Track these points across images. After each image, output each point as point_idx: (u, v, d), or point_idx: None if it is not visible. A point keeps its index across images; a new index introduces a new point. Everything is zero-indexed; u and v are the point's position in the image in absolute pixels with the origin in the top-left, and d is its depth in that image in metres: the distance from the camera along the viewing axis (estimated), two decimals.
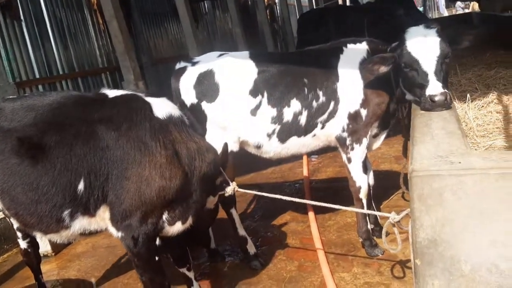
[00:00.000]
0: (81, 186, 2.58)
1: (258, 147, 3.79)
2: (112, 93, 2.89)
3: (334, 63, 3.73)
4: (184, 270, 3.26)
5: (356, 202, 3.83)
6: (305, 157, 6.50)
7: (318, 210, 4.77)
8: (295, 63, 3.87)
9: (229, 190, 3.16)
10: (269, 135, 3.73)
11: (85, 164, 2.57)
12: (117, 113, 2.71)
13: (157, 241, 2.80)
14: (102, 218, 2.71)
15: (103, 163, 2.59)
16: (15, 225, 3.24)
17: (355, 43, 3.81)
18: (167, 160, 2.65)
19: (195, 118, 3.74)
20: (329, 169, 6.25)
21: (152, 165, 2.61)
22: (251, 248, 4.00)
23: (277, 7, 19.14)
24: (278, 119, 3.69)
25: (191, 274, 3.30)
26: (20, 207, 2.66)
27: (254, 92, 3.71)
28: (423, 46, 3.19)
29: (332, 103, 3.70)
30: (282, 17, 18.49)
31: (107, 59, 9.15)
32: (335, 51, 3.80)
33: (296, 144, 3.82)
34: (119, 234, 2.69)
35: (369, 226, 3.94)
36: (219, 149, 3.16)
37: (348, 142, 3.72)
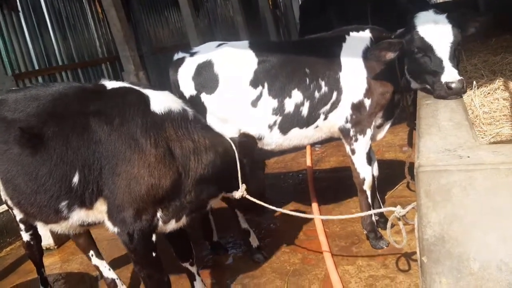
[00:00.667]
0: (75, 179, 2.58)
1: (259, 139, 3.71)
2: (110, 85, 2.83)
3: (337, 52, 3.63)
4: (187, 264, 3.23)
5: (360, 194, 3.77)
6: (308, 147, 6.43)
7: (321, 201, 4.72)
8: (296, 52, 3.77)
9: (236, 195, 2.97)
10: (270, 127, 3.66)
11: (80, 157, 2.57)
12: (111, 106, 2.66)
13: (154, 237, 2.73)
14: (100, 211, 2.69)
15: (96, 157, 2.57)
16: (18, 216, 3.24)
17: (358, 31, 3.70)
18: (157, 159, 2.57)
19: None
20: (332, 159, 6.18)
21: (141, 163, 2.55)
22: (254, 241, 3.96)
23: None
24: (279, 110, 3.60)
25: (194, 269, 3.27)
26: (21, 196, 2.70)
27: (254, 83, 3.62)
28: (437, 32, 3.08)
29: (334, 93, 3.61)
30: (284, 3, 18.26)
31: (107, 49, 9.06)
32: (338, 40, 3.69)
33: (298, 136, 3.74)
34: (115, 229, 2.67)
35: (374, 218, 3.87)
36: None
37: (351, 133, 3.64)
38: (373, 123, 3.67)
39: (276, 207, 3.07)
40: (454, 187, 1.95)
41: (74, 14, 8.38)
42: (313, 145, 6.66)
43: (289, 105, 3.60)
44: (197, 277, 3.28)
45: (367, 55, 3.49)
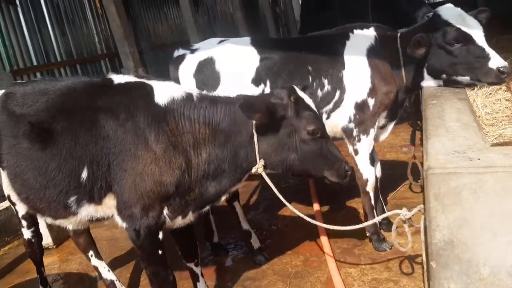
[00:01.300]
0: (84, 174, 2.58)
1: None
2: (118, 79, 2.79)
3: (340, 50, 3.58)
4: (191, 265, 3.19)
5: (363, 195, 3.71)
6: None
7: (324, 202, 4.67)
8: (298, 49, 3.70)
9: (253, 171, 2.71)
10: None
11: (88, 153, 2.57)
12: (117, 102, 2.62)
13: (161, 235, 2.68)
14: (109, 207, 2.68)
15: (104, 153, 2.56)
16: (21, 212, 3.21)
17: (362, 28, 3.64)
18: (158, 155, 2.53)
19: None
20: None
21: (144, 159, 2.52)
22: (255, 242, 3.90)
23: None
24: None
25: (198, 270, 3.22)
26: (30, 191, 2.73)
27: (256, 81, 3.56)
28: (470, 22, 3.11)
29: (337, 92, 3.55)
30: (284, 1, 18.18)
31: (106, 46, 8.98)
32: (341, 37, 3.63)
33: None
34: (124, 224, 2.65)
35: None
36: None
37: (355, 133, 3.59)
38: (377, 123, 3.61)
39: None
40: (464, 190, 1.90)
41: (73, 9, 8.29)
42: None
43: None
44: (200, 278, 3.23)
45: (370, 53, 3.45)
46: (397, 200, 4.42)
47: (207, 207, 2.83)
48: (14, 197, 2.99)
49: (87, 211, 2.72)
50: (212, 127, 2.64)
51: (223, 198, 2.87)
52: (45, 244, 4.71)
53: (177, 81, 3.72)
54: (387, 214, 2.77)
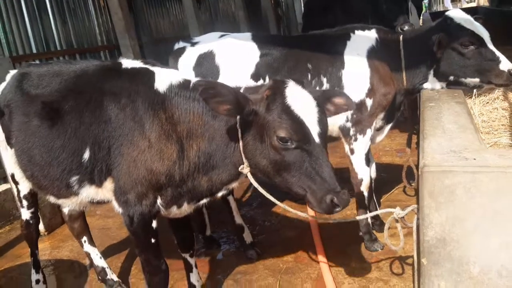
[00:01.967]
0: (86, 155, 2.61)
1: None
2: (126, 63, 2.79)
3: (341, 49, 3.60)
4: (186, 255, 3.20)
5: (357, 195, 3.74)
6: None
7: None
8: (299, 47, 3.73)
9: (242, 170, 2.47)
10: None
11: (91, 134, 2.60)
12: (120, 86, 2.63)
13: (154, 224, 2.67)
14: (108, 190, 2.69)
15: (106, 136, 2.57)
16: (23, 192, 3.25)
17: (363, 29, 3.67)
18: (151, 144, 2.50)
19: None
20: (329, 159, 6.13)
21: (138, 147, 2.51)
22: (248, 237, 3.91)
23: None
24: None
25: (192, 261, 3.23)
26: (35, 168, 2.80)
27: (255, 76, 3.58)
28: (478, 26, 3.21)
29: None
30: (286, 3, 18.22)
31: (106, 37, 8.95)
32: (342, 37, 3.66)
33: None
34: (120, 210, 2.65)
35: (369, 220, 3.85)
36: None
37: (351, 132, 3.61)
38: (374, 124, 3.64)
39: (271, 204, 2.99)
40: (458, 188, 1.92)
41: None
42: None
43: None
44: (194, 269, 3.24)
45: (370, 54, 3.49)
46: (391, 202, 4.45)
47: (204, 200, 2.76)
48: (19, 175, 3.07)
49: (88, 192, 2.74)
50: (205, 119, 2.50)
51: (220, 194, 2.75)
52: None
53: None
54: (380, 211, 2.79)
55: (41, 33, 7.33)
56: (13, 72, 3.13)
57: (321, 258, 3.55)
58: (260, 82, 3.58)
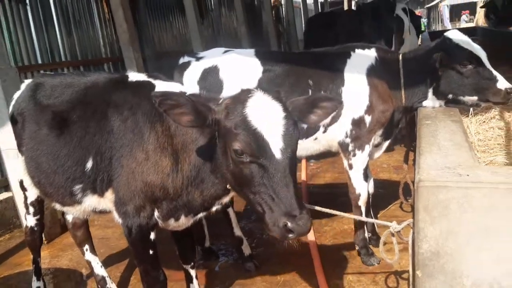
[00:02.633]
0: (89, 164, 2.68)
1: None
2: (132, 76, 2.87)
3: (341, 67, 3.70)
4: (188, 267, 3.23)
5: (355, 210, 3.80)
6: (303, 161, 6.46)
7: (314, 215, 4.64)
8: (301, 63, 3.83)
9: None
10: None
11: (94, 144, 2.67)
12: (124, 99, 2.70)
13: (152, 236, 2.71)
14: (109, 200, 2.73)
15: (108, 147, 2.63)
16: (31, 198, 3.36)
17: (363, 48, 3.77)
18: (148, 156, 2.53)
19: None
20: (327, 175, 6.21)
21: (137, 159, 2.56)
22: (246, 249, 3.96)
23: (283, 9, 19.11)
24: None
25: (193, 272, 3.25)
26: (42, 175, 2.90)
27: None
28: (476, 46, 3.32)
29: None
30: (287, 19, 18.48)
31: (110, 49, 9.07)
32: (343, 55, 3.76)
33: None
34: (120, 220, 2.70)
35: (366, 235, 3.90)
36: None
37: (350, 148, 3.69)
38: (372, 140, 3.72)
39: None
40: (452, 203, 1.99)
41: (81, 11, 8.40)
42: (308, 160, 6.70)
43: None
44: (194, 280, 3.26)
45: (369, 72, 3.59)
46: (387, 218, 4.50)
47: (201, 215, 2.77)
48: (27, 182, 3.17)
49: (90, 201, 2.81)
50: (198, 132, 2.43)
51: (214, 208, 2.71)
52: None
53: None
54: (378, 221, 2.85)
55: (46, 44, 7.44)
56: (27, 81, 3.26)
57: (319, 271, 3.59)
58: None
